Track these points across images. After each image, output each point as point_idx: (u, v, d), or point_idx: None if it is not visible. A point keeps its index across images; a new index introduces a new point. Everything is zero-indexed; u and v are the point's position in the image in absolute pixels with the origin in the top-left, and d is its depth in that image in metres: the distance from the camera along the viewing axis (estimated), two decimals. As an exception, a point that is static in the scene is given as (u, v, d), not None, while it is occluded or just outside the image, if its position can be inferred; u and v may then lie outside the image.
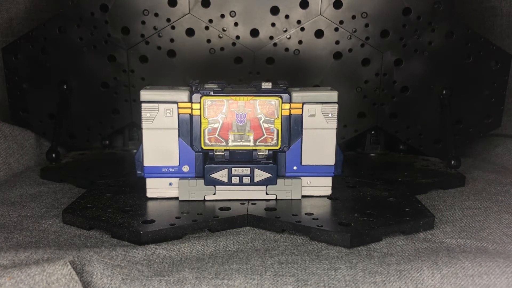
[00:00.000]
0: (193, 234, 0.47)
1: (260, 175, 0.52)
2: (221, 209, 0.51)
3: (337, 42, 0.73)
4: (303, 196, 0.54)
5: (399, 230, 0.48)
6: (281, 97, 0.52)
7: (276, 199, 0.54)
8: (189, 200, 0.53)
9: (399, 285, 0.38)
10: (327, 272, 0.39)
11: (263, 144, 0.53)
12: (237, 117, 0.52)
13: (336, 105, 0.53)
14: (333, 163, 0.54)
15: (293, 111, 0.52)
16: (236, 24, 0.72)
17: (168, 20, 0.72)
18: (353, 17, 0.72)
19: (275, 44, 0.73)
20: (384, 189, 0.59)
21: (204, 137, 0.52)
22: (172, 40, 0.73)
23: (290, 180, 0.54)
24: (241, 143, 0.53)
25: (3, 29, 0.79)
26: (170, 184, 0.53)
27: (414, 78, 0.74)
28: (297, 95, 0.52)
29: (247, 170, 0.52)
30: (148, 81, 0.74)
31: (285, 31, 0.72)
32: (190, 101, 0.51)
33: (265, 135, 0.53)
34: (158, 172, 0.53)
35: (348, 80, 0.74)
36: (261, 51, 0.73)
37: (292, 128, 0.53)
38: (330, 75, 0.74)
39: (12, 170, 0.68)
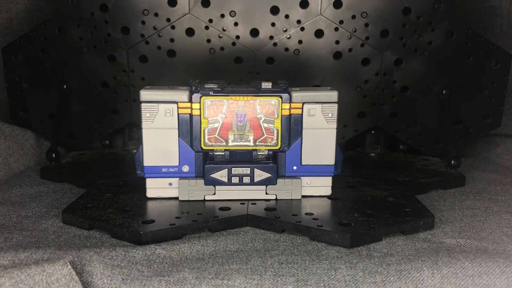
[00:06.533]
0: (193, 234, 0.47)
1: (260, 175, 0.52)
2: (221, 209, 0.51)
3: (337, 42, 0.73)
4: (303, 196, 0.54)
5: (399, 230, 0.48)
6: (281, 97, 0.52)
7: (276, 199, 0.54)
8: (189, 200, 0.53)
9: (399, 285, 0.38)
10: (327, 272, 0.39)
11: (263, 144, 0.53)
12: (237, 117, 0.52)
13: (336, 105, 0.53)
14: (333, 163, 0.54)
15: (293, 111, 0.52)
16: (236, 24, 0.72)
17: (168, 20, 0.72)
18: (353, 17, 0.72)
19: (275, 44, 0.73)
20: (384, 189, 0.59)
21: (204, 137, 0.52)
22: (172, 40, 0.73)
23: (290, 180, 0.54)
24: (241, 143, 0.53)
25: (3, 29, 0.78)
26: (170, 184, 0.53)
27: (414, 78, 0.74)
28: (297, 95, 0.52)
29: (247, 170, 0.52)
30: (148, 81, 0.74)
31: (285, 31, 0.72)
32: (190, 101, 0.51)
33: (265, 135, 0.53)
34: (158, 172, 0.53)
35: (348, 80, 0.74)
36: (261, 51, 0.73)
37: (292, 128, 0.53)
38: (330, 75, 0.74)
39: (12, 170, 0.68)
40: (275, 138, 0.53)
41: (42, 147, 0.76)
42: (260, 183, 0.53)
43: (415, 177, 0.65)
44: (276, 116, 0.52)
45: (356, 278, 0.38)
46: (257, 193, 0.54)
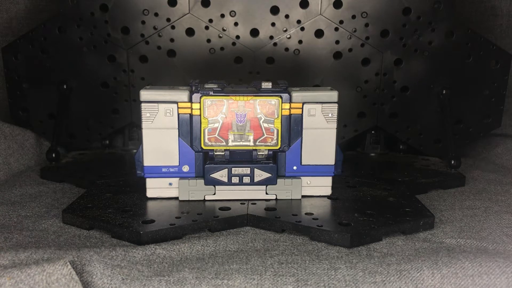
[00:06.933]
0: (193, 234, 0.47)
1: (260, 175, 0.52)
2: (221, 209, 0.51)
3: (337, 42, 0.73)
4: (303, 196, 0.54)
5: (399, 230, 0.48)
6: (281, 97, 0.52)
7: (276, 199, 0.54)
8: (189, 200, 0.53)
9: (399, 285, 0.38)
10: (327, 272, 0.39)
11: (263, 144, 0.53)
12: (237, 117, 0.52)
13: (336, 105, 0.53)
14: (333, 163, 0.54)
15: (293, 111, 0.52)
16: (236, 24, 0.72)
17: (168, 20, 0.72)
18: (353, 17, 0.72)
19: (275, 44, 0.73)
20: (384, 189, 0.59)
21: (204, 137, 0.52)
22: (172, 40, 0.73)
23: (290, 180, 0.54)
24: (241, 143, 0.53)
25: (3, 29, 0.78)
26: (170, 184, 0.53)
27: (414, 78, 0.74)
28: (297, 95, 0.52)
29: (247, 170, 0.52)
30: (148, 81, 0.74)
31: (285, 30, 0.72)
32: (190, 101, 0.51)
33: (265, 135, 0.53)
34: (158, 172, 0.53)
35: (348, 80, 0.74)
36: (261, 51, 0.73)
37: (292, 128, 0.53)
38: (330, 75, 0.74)
39: (12, 170, 0.68)
40: (275, 138, 0.53)
41: (42, 147, 0.76)
42: (260, 183, 0.53)
43: (415, 177, 0.65)
44: (276, 116, 0.52)
45: (356, 278, 0.38)
46: (257, 193, 0.54)
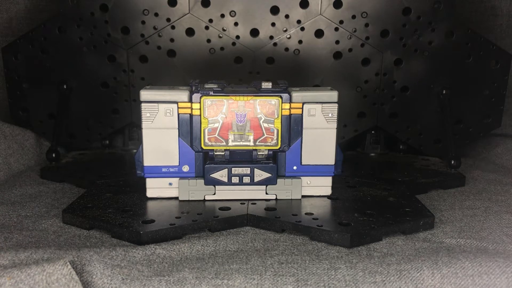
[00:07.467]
0: (193, 234, 0.47)
1: (260, 175, 0.52)
2: (221, 209, 0.51)
3: (337, 42, 0.73)
4: (303, 196, 0.54)
5: (399, 230, 0.48)
6: (281, 97, 0.52)
7: (276, 199, 0.54)
8: (189, 200, 0.53)
9: (399, 285, 0.38)
10: (327, 272, 0.39)
11: (263, 144, 0.53)
12: (237, 117, 0.52)
13: (336, 105, 0.53)
14: (333, 163, 0.54)
15: (293, 111, 0.52)
16: (236, 24, 0.72)
17: (168, 20, 0.72)
18: (353, 17, 0.72)
19: (275, 44, 0.73)
20: (384, 189, 0.59)
21: (204, 137, 0.52)
22: (172, 40, 0.73)
23: (290, 180, 0.54)
24: (241, 143, 0.53)
25: (3, 29, 0.78)
26: (170, 184, 0.53)
27: (414, 78, 0.74)
28: (297, 95, 0.52)
29: (247, 170, 0.52)
30: (148, 81, 0.74)
31: (285, 31, 0.72)
32: (190, 101, 0.51)
33: (265, 135, 0.53)
34: (158, 172, 0.53)
35: (348, 80, 0.74)
36: (261, 51, 0.73)
37: (292, 128, 0.53)
38: (330, 75, 0.74)
39: (12, 170, 0.68)
40: (275, 138, 0.53)
41: (42, 147, 0.76)
42: (260, 183, 0.53)
43: (415, 177, 0.65)
44: (276, 116, 0.52)
45: (356, 278, 0.38)
46: (257, 193, 0.54)
